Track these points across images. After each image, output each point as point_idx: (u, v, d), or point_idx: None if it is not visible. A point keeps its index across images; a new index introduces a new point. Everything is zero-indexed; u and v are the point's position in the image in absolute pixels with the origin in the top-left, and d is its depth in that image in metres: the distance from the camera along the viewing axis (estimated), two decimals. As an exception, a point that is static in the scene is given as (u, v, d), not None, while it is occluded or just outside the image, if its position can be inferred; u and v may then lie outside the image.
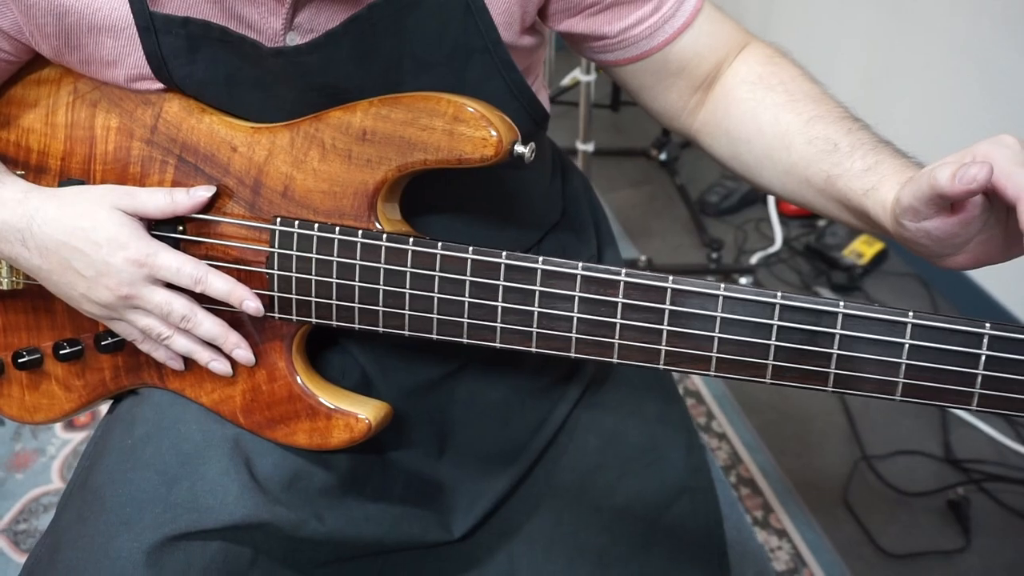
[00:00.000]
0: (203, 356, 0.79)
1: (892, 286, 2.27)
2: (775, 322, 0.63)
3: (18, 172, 0.83)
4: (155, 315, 0.77)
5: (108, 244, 0.74)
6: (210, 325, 0.77)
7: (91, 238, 0.74)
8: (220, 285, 0.76)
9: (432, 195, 0.80)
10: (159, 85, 0.77)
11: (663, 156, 2.67)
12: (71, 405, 0.88)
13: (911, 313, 0.61)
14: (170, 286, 0.76)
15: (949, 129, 2.09)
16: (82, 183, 0.81)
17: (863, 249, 2.26)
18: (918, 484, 1.77)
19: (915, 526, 1.71)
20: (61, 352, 0.83)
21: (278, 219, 0.75)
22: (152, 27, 0.72)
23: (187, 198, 0.76)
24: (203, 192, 0.76)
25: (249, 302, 0.76)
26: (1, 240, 0.76)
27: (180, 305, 0.76)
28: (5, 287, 0.85)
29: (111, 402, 0.90)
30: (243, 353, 0.79)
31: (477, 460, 0.89)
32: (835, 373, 0.63)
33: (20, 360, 0.85)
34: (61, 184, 0.82)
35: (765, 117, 0.80)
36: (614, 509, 0.89)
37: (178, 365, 0.81)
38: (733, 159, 0.84)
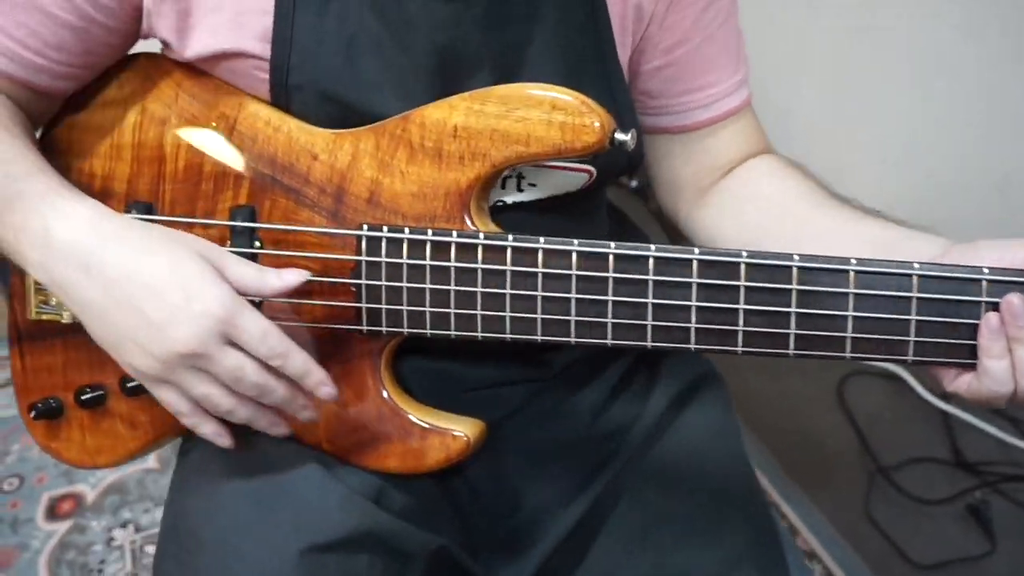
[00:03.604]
0: (262, 423, 0.67)
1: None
2: (915, 294, 0.57)
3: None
4: (218, 382, 0.63)
5: (189, 288, 0.60)
6: (283, 392, 0.65)
7: (171, 277, 0.60)
8: (299, 364, 0.63)
9: None
10: (258, 51, 0.68)
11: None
12: (136, 444, 0.78)
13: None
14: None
15: (919, 131, 2.07)
16: (149, 207, 0.73)
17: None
18: (935, 491, 1.70)
19: (940, 534, 1.63)
20: (128, 385, 0.74)
21: (365, 226, 0.68)
22: None
23: (278, 279, 0.64)
24: (294, 277, 0.64)
25: (326, 388, 0.65)
26: (59, 261, 0.62)
27: (253, 372, 0.62)
28: (66, 320, 0.77)
29: (180, 441, 0.81)
30: (309, 415, 0.68)
31: (535, 508, 0.80)
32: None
33: (83, 397, 0.75)
34: (128, 208, 0.74)
35: (798, 188, 0.78)
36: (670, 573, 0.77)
37: (226, 442, 0.68)
38: (731, 221, 0.80)
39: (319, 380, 0.64)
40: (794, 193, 0.77)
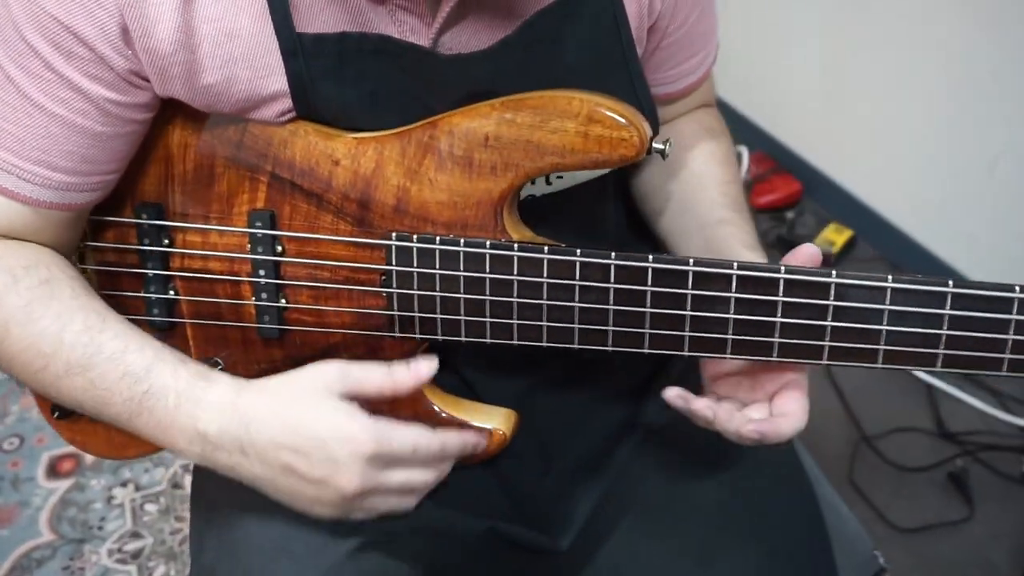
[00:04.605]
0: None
1: (864, 270, 2.29)
2: (947, 312, 0.61)
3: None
4: (397, 493, 0.67)
5: (332, 438, 0.63)
6: (452, 461, 0.69)
7: (311, 434, 0.63)
8: (457, 447, 0.68)
9: None
10: (282, 122, 0.69)
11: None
12: None
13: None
14: None
15: (911, 113, 2.12)
16: (159, 207, 0.74)
17: (833, 237, 2.27)
18: (917, 459, 1.78)
19: (920, 500, 1.72)
20: None
21: (394, 234, 0.69)
22: (300, 51, 0.66)
23: (408, 373, 0.66)
24: (425, 367, 0.66)
25: (484, 442, 0.72)
26: (218, 450, 0.65)
27: (421, 476, 0.67)
28: None
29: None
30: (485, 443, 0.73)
31: (570, 468, 0.85)
32: (1009, 359, 0.61)
33: None
34: (137, 211, 0.74)
35: (698, 161, 0.85)
36: (710, 505, 0.85)
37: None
38: (650, 185, 0.87)
39: (476, 442, 0.70)
40: (705, 182, 0.84)
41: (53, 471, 1.68)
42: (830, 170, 2.41)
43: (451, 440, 0.67)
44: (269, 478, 0.65)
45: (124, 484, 1.65)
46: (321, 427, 0.63)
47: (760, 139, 2.63)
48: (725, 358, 0.65)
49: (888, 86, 2.15)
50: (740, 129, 2.70)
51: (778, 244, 2.37)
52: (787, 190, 2.45)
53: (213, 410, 0.65)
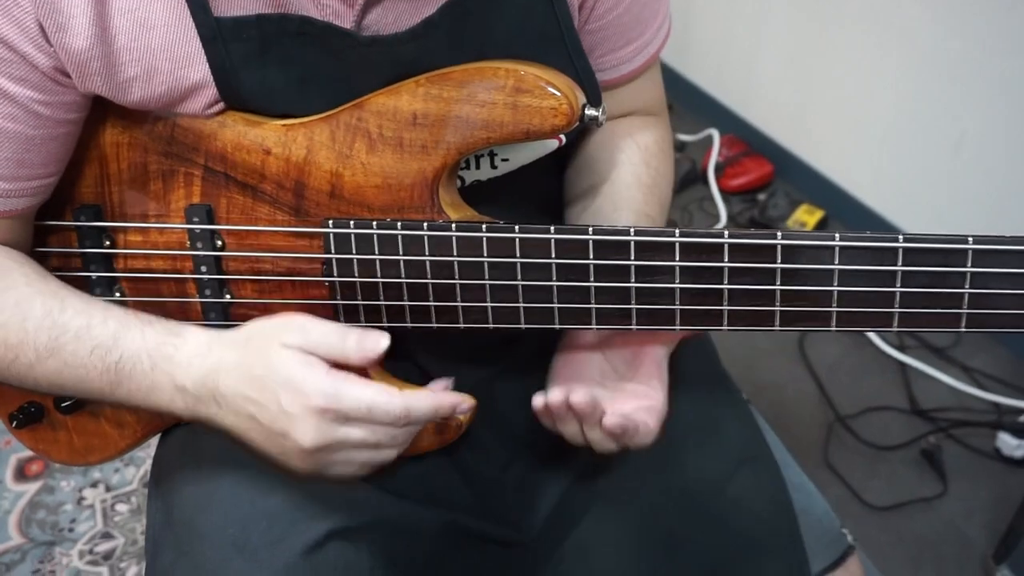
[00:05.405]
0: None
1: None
2: (899, 268, 0.57)
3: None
4: (364, 449, 0.62)
5: (285, 390, 0.59)
6: (425, 421, 0.63)
7: (269, 385, 0.59)
8: (425, 405, 0.61)
9: None
10: (209, 113, 0.66)
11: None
12: (126, 442, 0.77)
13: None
14: None
15: (879, 95, 2.10)
16: (98, 209, 0.70)
17: (805, 218, 2.25)
18: (891, 437, 1.75)
19: (895, 478, 1.69)
20: None
21: (330, 222, 0.65)
22: (219, 36, 0.62)
23: (356, 348, 0.61)
24: (372, 341, 0.61)
25: (463, 405, 0.64)
26: (199, 402, 0.62)
27: (385, 433, 0.61)
28: None
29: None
30: (468, 406, 0.65)
31: (534, 458, 0.81)
32: (967, 313, 0.57)
33: (64, 404, 0.73)
34: (76, 213, 0.70)
35: (628, 178, 0.79)
36: (676, 490, 0.82)
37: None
38: (574, 174, 0.82)
39: (451, 406, 0.62)
40: (627, 200, 0.78)
41: (21, 474, 1.63)
42: (801, 152, 2.40)
43: (419, 402, 0.61)
44: (242, 429, 0.62)
45: (94, 485, 1.61)
46: (278, 379, 0.59)
47: (731, 122, 2.60)
48: (675, 330, 0.62)
49: (857, 68, 2.13)
50: (711, 112, 2.68)
51: (751, 225, 2.34)
52: (759, 172, 2.43)
53: (188, 364, 0.62)
